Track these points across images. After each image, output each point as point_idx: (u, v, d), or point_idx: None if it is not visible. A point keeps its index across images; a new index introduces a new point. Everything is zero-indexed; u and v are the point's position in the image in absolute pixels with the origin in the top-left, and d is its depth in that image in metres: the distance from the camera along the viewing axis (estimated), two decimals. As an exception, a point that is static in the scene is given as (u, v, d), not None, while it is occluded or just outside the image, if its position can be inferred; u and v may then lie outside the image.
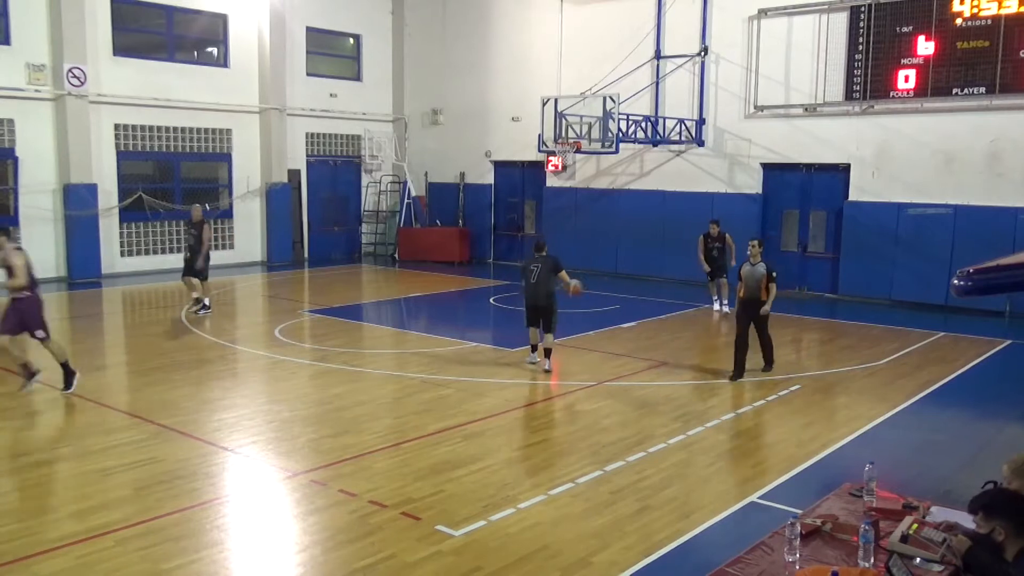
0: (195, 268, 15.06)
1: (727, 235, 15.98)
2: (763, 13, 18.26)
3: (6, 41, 17.82)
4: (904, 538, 4.18)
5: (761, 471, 7.52)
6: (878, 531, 4.25)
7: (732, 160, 19.04)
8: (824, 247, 18.21)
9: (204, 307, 15.05)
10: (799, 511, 5.03)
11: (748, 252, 10.92)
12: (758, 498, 6.88)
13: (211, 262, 15.61)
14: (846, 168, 17.57)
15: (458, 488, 6.98)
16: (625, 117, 18.01)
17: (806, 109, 17.85)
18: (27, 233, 18.26)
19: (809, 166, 18.16)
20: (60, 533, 6.07)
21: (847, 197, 17.57)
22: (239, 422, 8.82)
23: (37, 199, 18.40)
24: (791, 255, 18.55)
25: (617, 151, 18.45)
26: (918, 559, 4.05)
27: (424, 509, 6.50)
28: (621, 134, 17.79)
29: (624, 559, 5.74)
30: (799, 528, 4.22)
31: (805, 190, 18.37)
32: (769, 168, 18.64)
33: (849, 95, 17.26)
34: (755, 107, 18.53)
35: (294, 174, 23.16)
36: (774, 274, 10.70)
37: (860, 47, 17.07)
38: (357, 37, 24.65)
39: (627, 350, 12.37)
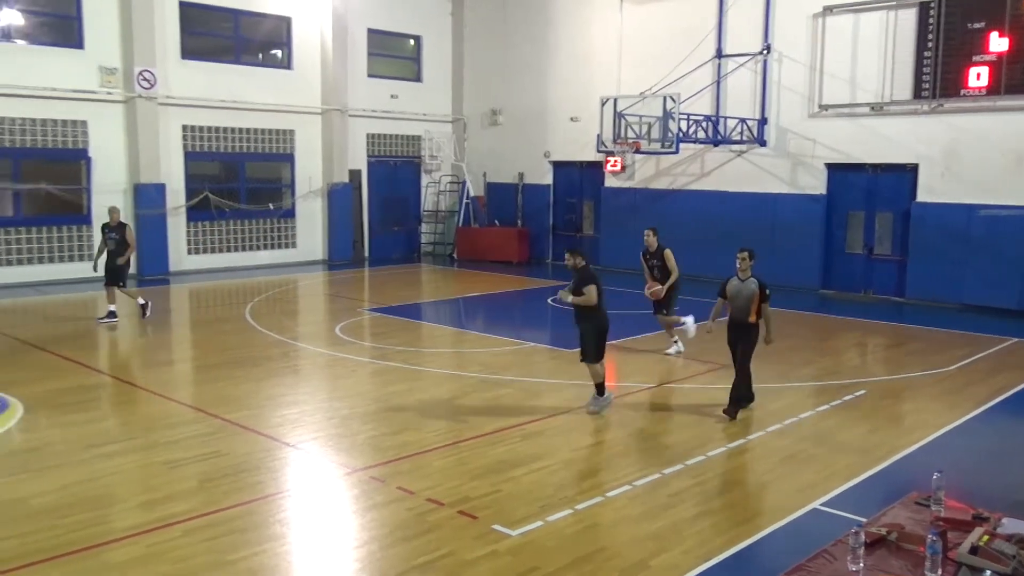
0: (120, 275, 14.20)
1: (667, 250, 12.04)
2: (828, 10, 17.90)
3: (80, 45, 18.41)
4: (974, 550, 4.06)
5: (824, 477, 7.38)
6: (946, 542, 4.12)
7: (795, 160, 18.71)
8: (891, 249, 17.77)
9: (111, 315, 14.11)
10: (863, 519, 4.91)
11: (737, 265, 9.20)
12: (820, 505, 6.75)
13: (266, 261, 15.65)
14: (914, 168, 17.12)
15: (515, 488, 7.00)
16: (685, 117, 17.84)
17: (873, 108, 17.44)
18: (99, 231, 18.81)
19: (875, 166, 17.74)
20: (129, 523, 6.25)
21: (915, 198, 17.12)
22: (301, 418, 8.98)
23: (109, 198, 18.91)
24: (856, 257, 18.16)
25: (677, 151, 18.28)
26: (988, 572, 3.92)
27: (481, 508, 6.53)
28: (681, 134, 17.63)
29: (683, 563, 5.69)
30: (863, 537, 4.13)
31: (871, 191, 17.96)
32: (834, 168, 18.27)
33: (918, 93, 16.82)
34: (819, 106, 18.17)
35: (355, 174, 23.47)
36: (768, 292, 8.97)
37: (929, 44, 16.61)
38: (417, 38, 24.87)
39: (687, 352, 12.24)
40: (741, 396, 9.06)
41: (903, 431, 8.86)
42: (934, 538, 4.00)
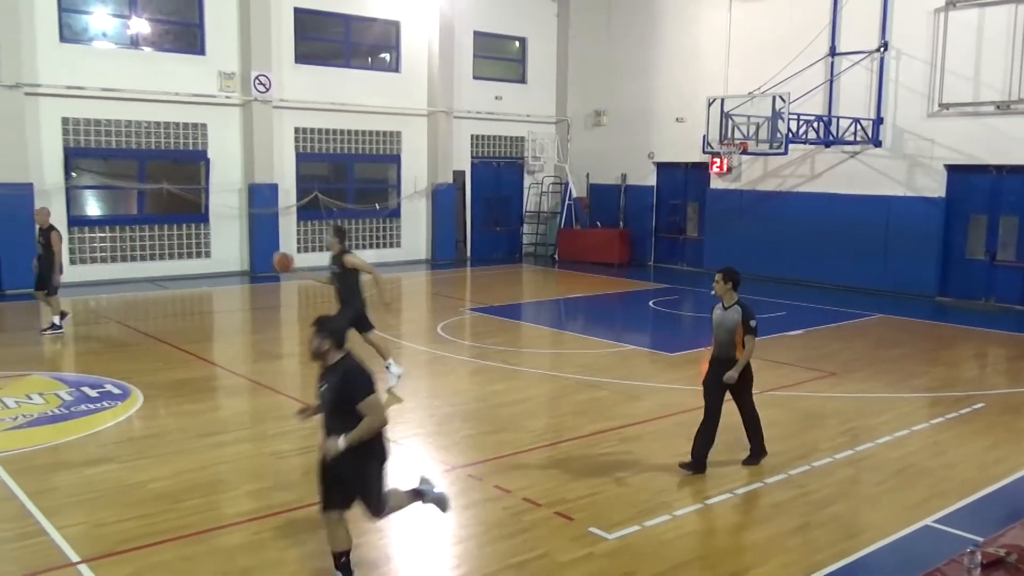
0: (48, 281, 12.81)
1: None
2: (951, 5, 17.07)
3: (201, 51, 19.28)
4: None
5: (937, 493, 7.04)
6: (1072, 567, 3.88)
7: (912, 161, 17.92)
8: (1015, 255, 16.81)
9: (54, 327, 12.83)
10: (980, 539, 4.67)
11: (712, 290, 7.68)
12: (933, 522, 6.44)
13: (371, 259, 15.62)
14: (1043, 170, 16.17)
15: (612, 491, 6.94)
16: (795, 117, 17.34)
17: (998, 106, 16.54)
18: (215, 229, 19.74)
19: (1000, 167, 16.81)
20: (238, 509, 6.50)
21: (1044, 201, 16.17)
22: (402, 414, 9.14)
23: (225, 197, 19.78)
24: (977, 263, 17.26)
25: (786, 152, 17.78)
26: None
27: (578, 510, 6.51)
28: (791, 134, 17.14)
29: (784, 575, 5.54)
30: (980, 557, 3.92)
31: (995, 193, 17.03)
32: (954, 170, 17.41)
33: (1049, 91, 15.88)
34: (940, 105, 17.35)
35: (459, 175, 23.78)
36: (752, 323, 7.30)
37: (1063, 38, 15.65)
38: (522, 40, 25.00)
39: (793, 359, 11.90)
40: (755, 450, 7.66)
41: (1026, 448, 8.38)
42: (1058, 563, 3.75)
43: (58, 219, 15.80)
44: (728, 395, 7.51)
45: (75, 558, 5.59)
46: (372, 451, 5.10)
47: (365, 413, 4.90)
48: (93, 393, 9.55)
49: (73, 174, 17.95)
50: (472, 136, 24.07)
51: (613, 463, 7.60)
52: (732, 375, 7.28)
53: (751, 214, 20.45)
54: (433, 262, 22.99)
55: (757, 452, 7.65)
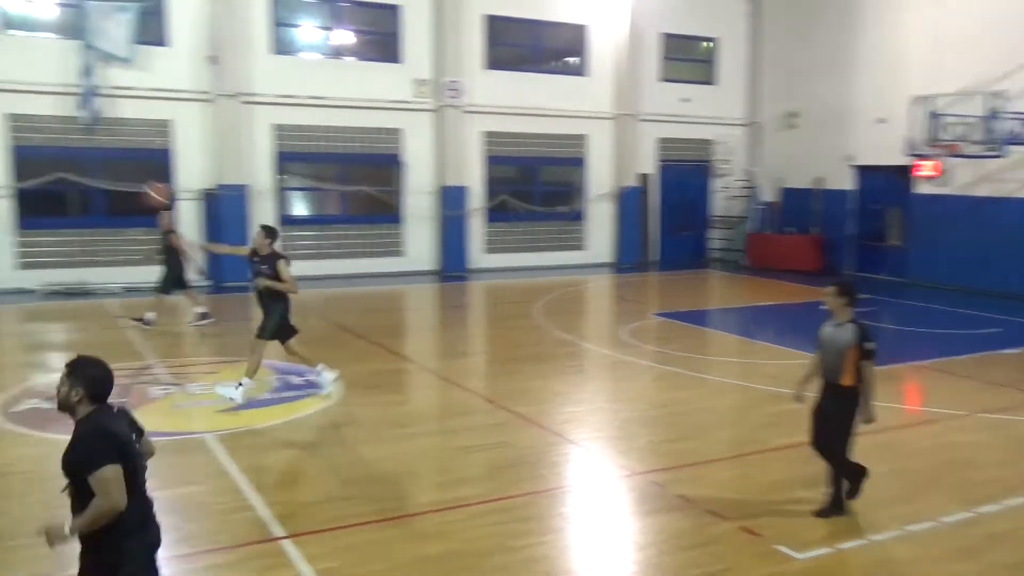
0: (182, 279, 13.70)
1: None
2: None
3: (398, 60, 20.22)
4: None
5: None
6: None
7: None
8: None
9: (204, 316, 13.77)
10: None
11: (823, 303, 6.58)
12: None
13: (555, 262, 15.87)
14: None
15: (803, 509, 6.63)
16: (1016, 116, 15.91)
17: None
18: (409, 230, 20.65)
19: None
20: (426, 499, 6.76)
21: None
22: (584, 417, 9.17)
23: (418, 200, 20.63)
24: None
25: (1004, 155, 16.34)
26: None
27: (765, 527, 6.26)
28: (1010, 135, 15.75)
29: (997, 615, 5.08)
30: None
31: None
32: None
33: None
34: None
35: (644, 178, 23.57)
36: (870, 346, 6.20)
37: None
38: (713, 40, 24.45)
39: (1010, 379, 10.92)
40: (836, 499, 6.46)
41: None
42: None
43: (268, 218, 17.06)
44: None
45: (281, 533, 6.00)
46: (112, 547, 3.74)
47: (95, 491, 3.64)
48: (298, 381, 10.22)
49: (283, 176, 19.35)
50: (658, 139, 23.79)
51: (804, 479, 7.24)
52: (871, 414, 6.28)
53: (962, 221, 18.94)
54: (618, 266, 22.91)
55: (834, 505, 6.45)
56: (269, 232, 9.33)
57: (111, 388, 3.86)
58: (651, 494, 6.96)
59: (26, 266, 17.06)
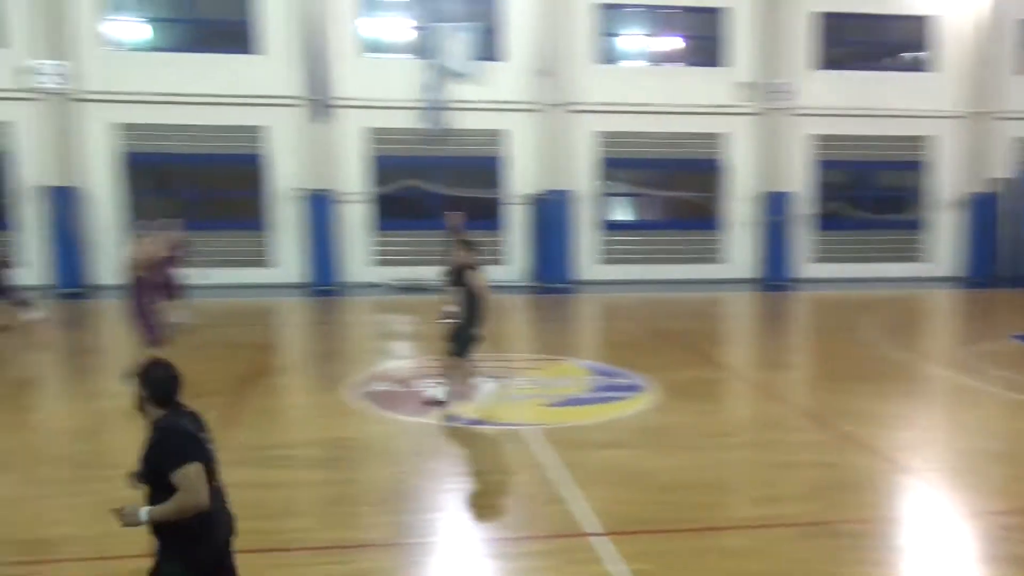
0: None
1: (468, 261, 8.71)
2: None
3: (719, 64, 19.93)
4: None
5: None
6: None
7: None
8: None
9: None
10: None
11: None
12: None
13: (889, 274, 14.81)
14: None
15: None
16: None
17: None
18: (730, 237, 20.25)
19: None
20: (742, 514, 6.56)
21: None
22: (921, 444, 8.38)
23: (740, 206, 20.18)
24: None
25: None
26: None
27: None
28: None
29: None
30: None
31: None
32: None
33: None
34: None
35: (1001, 183, 21.02)
36: None
37: None
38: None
39: None
40: None
41: None
42: None
43: (591, 222, 17.69)
44: None
45: (597, 529, 6.15)
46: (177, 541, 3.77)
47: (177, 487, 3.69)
48: (614, 382, 10.44)
49: (607, 182, 19.93)
50: (1016, 139, 21.10)
51: None
52: None
53: None
54: (968, 279, 20.67)
55: None
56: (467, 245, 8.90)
57: (176, 389, 3.84)
58: (998, 538, 6.18)
59: (379, 263, 19.23)
